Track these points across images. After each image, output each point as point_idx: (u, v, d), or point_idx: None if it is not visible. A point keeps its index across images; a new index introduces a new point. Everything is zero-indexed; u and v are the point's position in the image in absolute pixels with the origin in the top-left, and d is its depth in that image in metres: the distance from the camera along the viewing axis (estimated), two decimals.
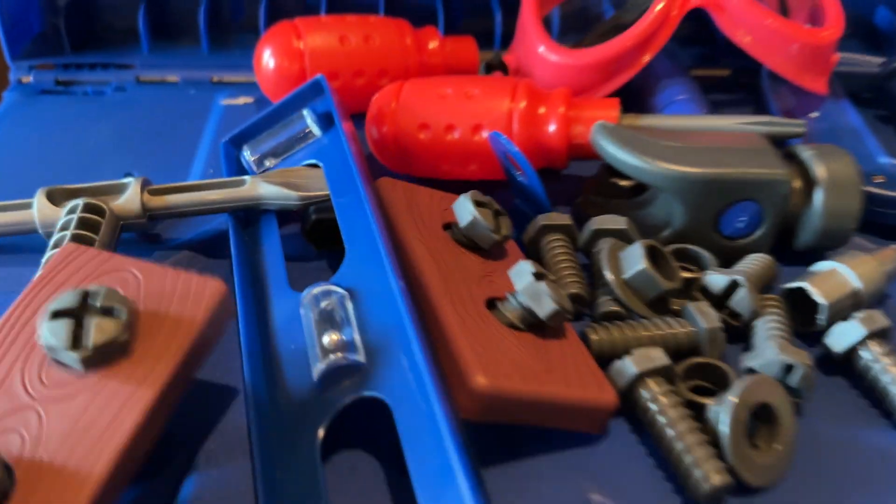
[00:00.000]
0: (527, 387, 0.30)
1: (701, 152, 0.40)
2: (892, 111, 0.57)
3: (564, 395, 0.31)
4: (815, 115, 0.53)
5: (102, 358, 0.29)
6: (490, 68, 0.52)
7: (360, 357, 0.32)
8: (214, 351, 0.36)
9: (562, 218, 0.41)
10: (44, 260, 0.37)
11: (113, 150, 0.51)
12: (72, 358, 0.28)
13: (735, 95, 0.58)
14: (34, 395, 0.28)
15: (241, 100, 0.55)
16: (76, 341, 0.28)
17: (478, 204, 0.38)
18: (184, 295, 0.31)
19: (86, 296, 0.29)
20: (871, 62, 0.59)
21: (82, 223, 0.38)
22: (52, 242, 0.38)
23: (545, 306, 0.33)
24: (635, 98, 0.52)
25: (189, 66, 0.58)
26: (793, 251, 0.43)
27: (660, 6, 0.47)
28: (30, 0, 0.58)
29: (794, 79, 0.50)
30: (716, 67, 0.60)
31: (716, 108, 0.56)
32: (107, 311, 0.29)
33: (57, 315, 0.29)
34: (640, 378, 0.33)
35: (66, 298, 0.29)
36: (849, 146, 0.49)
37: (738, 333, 0.38)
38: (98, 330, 0.28)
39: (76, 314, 0.29)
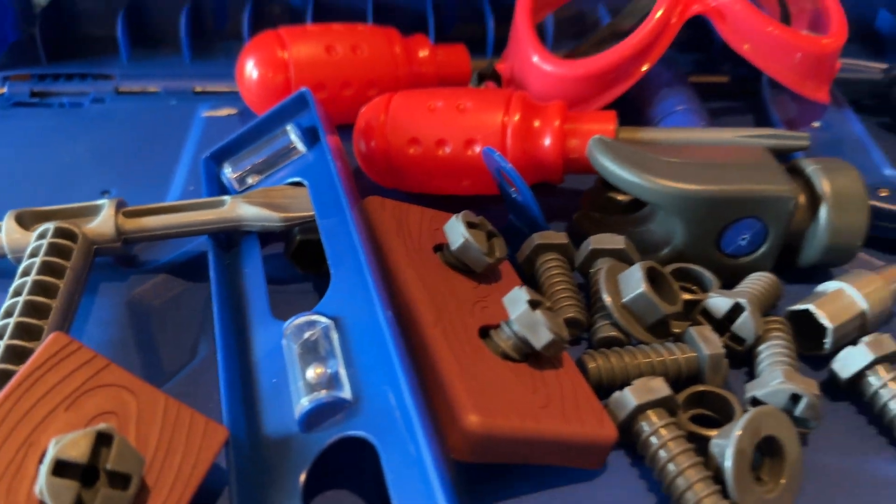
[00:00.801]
0: (522, 424, 0.29)
1: (702, 168, 0.39)
2: (894, 119, 0.56)
3: (562, 432, 0.29)
4: (817, 124, 0.51)
5: None
6: (482, 78, 0.50)
7: (346, 394, 0.30)
8: (191, 386, 0.35)
9: (558, 236, 0.40)
10: (11, 289, 0.35)
11: (90, 166, 0.49)
12: None
13: (734, 103, 0.56)
14: None
15: (224, 111, 0.53)
16: None
17: (470, 225, 0.36)
18: (185, 441, 0.28)
19: (98, 439, 0.26)
20: (872, 68, 0.58)
21: (53, 249, 0.36)
22: (21, 269, 0.36)
23: (541, 337, 0.31)
24: (633, 108, 0.51)
25: (170, 76, 0.56)
26: (796, 268, 0.41)
27: (659, 13, 0.45)
28: (4, 9, 0.56)
29: (795, 87, 0.48)
30: (714, 74, 0.58)
31: (715, 115, 0.55)
32: (117, 478, 0.26)
33: (62, 469, 0.25)
34: (641, 410, 0.31)
35: (76, 446, 0.26)
36: (853, 157, 0.47)
37: (742, 358, 0.37)
38: (104, 502, 0.26)
39: (83, 470, 0.26)
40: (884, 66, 0.57)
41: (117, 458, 0.26)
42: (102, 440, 0.26)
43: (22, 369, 0.28)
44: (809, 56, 0.47)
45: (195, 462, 0.28)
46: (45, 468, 0.26)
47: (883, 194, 0.45)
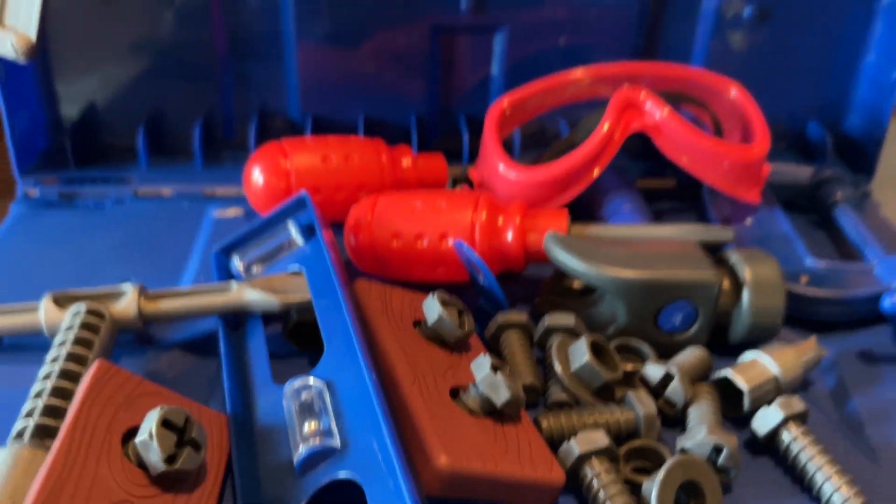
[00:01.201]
0: (484, 466, 0.34)
1: (639, 258, 0.46)
2: (822, 217, 0.63)
3: (517, 474, 0.35)
4: (749, 222, 0.58)
5: (177, 473, 0.35)
6: (457, 183, 0.58)
7: (336, 442, 0.36)
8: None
9: (519, 316, 0.46)
10: (48, 358, 0.41)
11: (112, 259, 0.55)
12: (159, 465, 0.34)
13: (679, 204, 0.64)
14: (127, 491, 0.33)
15: (232, 212, 0.60)
16: (170, 456, 0.34)
17: (444, 303, 0.42)
18: (207, 425, 0.39)
19: (186, 420, 0.35)
20: (803, 172, 0.66)
21: (84, 326, 0.42)
22: (56, 341, 0.42)
23: (501, 395, 0.37)
24: (587, 207, 0.58)
25: (183, 181, 0.63)
26: (729, 346, 0.48)
27: (604, 129, 0.53)
28: (38, 120, 0.63)
29: (728, 191, 0.56)
30: (662, 178, 0.66)
31: (661, 215, 0.63)
32: (194, 443, 0.35)
33: (166, 424, 0.34)
34: (584, 458, 0.37)
35: (174, 414, 0.34)
36: (779, 249, 0.55)
37: (678, 419, 0.43)
38: (188, 458, 0.34)
39: (179, 431, 0.34)
40: (812, 170, 0.65)
41: (196, 431, 0.35)
42: (190, 423, 0.35)
43: (83, 387, 0.36)
44: (737, 164, 0.55)
45: (220, 440, 0.39)
46: (153, 423, 0.34)
47: (804, 281, 0.52)
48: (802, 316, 0.51)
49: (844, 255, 0.59)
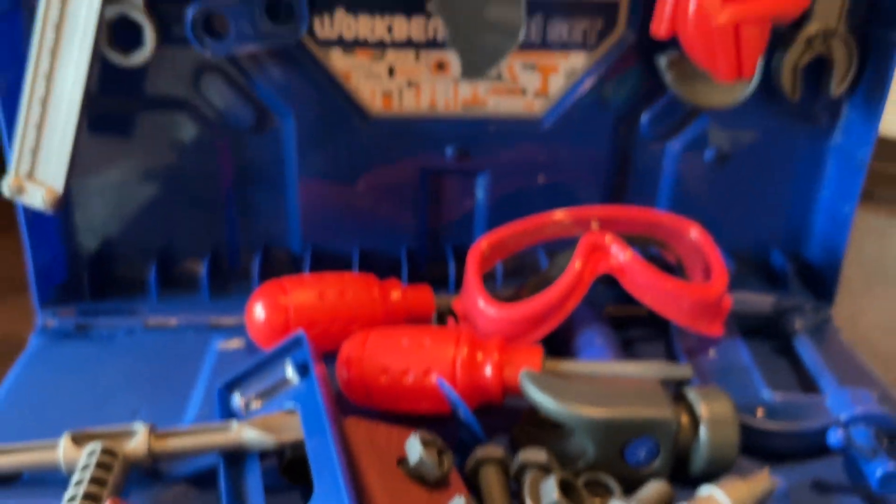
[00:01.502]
0: None
1: (604, 397, 0.50)
2: (783, 345, 0.68)
3: None
4: (712, 352, 0.63)
5: None
6: (442, 317, 0.63)
7: None
8: None
9: (496, 451, 0.50)
10: (66, 497, 0.45)
11: (122, 388, 0.60)
12: None
13: (649, 331, 0.68)
14: None
15: (234, 344, 0.65)
16: None
17: (424, 444, 0.47)
18: None
19: None
20: (765, 301, 0.70)
21: (99, 465, 0.47)
22: (73, 481, 0.46)
23: None
24: (562, 339, 0.63)
25: (190, 311, 0.68)
26: (690, 478, 0.52)
27: (574, 270, 0.58)
28: (58, 255, 0.69)
29: (690, 326, 0.61)
30: (634, 305, 0.70)
31: (632, 343, 0.67)
32: None
33: None
34: None
35: None
36: (738, 382, 0.59)
37: None
38: None
39: None
40: (773, 299, 0.70)
41: None
42: None
43: None
44: (697, 302, 0.60)
45: None
46: None
47: (759, 414, 0.56)
48: (758, 447, 0.54)
49: (804, 384, 0.63)
